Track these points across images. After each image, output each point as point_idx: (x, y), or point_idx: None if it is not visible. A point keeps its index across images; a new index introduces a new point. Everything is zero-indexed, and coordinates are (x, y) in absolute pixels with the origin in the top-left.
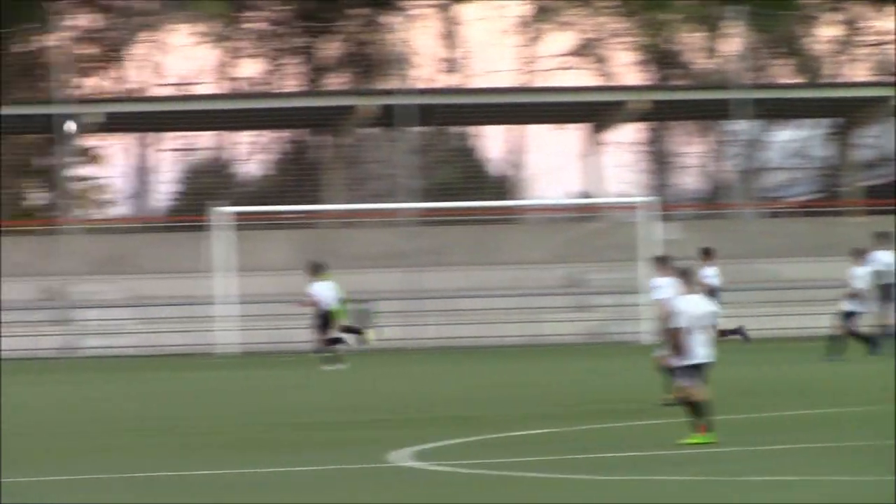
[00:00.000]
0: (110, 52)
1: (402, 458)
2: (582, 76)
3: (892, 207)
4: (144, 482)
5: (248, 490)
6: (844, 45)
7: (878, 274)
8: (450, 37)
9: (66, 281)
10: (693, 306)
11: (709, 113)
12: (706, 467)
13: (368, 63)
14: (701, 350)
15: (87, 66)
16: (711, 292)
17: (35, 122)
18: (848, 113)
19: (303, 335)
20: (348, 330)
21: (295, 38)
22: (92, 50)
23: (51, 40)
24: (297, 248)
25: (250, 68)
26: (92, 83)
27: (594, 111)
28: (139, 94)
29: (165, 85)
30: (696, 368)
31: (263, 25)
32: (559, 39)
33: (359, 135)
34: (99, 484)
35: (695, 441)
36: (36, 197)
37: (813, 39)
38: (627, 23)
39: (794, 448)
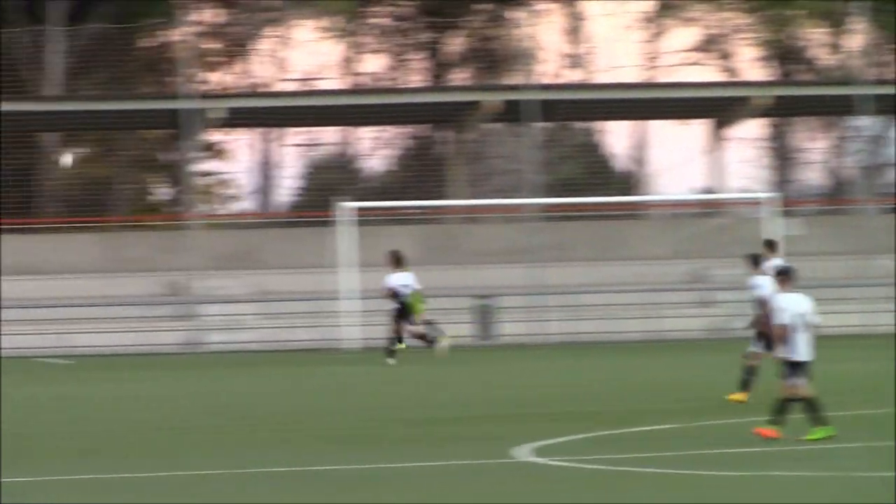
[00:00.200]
0: (235, 48)
1: (524, 453)
2: (705, 72)
3: None
4: (279, 476)
5: (377, 485)
6: None
7: None
8: (574, 32)
9: (191, 276)
10: (795, 304)
11: (832, 109)
12: (825, 462)
13: (493, 58)
14: (803, 348)
15: (212, 62)
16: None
17: (160, 117)
18: None
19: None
20: (422, 338)
21: (419, 33)
22: (217, 45)
23: (176, 35)
24: (421, 244)
25: (374, 63)
26: (216, 78)
27: (717, 107)
28: (263, 90)
29: (290, 80)
30: (800, 366)
31: (388, 21)
32: (683, 35)
33: (482, 130)
34: (233, 478)
35: (815, 437)
36: (160, 192)
37: None
38: (751, 18)
39: None
